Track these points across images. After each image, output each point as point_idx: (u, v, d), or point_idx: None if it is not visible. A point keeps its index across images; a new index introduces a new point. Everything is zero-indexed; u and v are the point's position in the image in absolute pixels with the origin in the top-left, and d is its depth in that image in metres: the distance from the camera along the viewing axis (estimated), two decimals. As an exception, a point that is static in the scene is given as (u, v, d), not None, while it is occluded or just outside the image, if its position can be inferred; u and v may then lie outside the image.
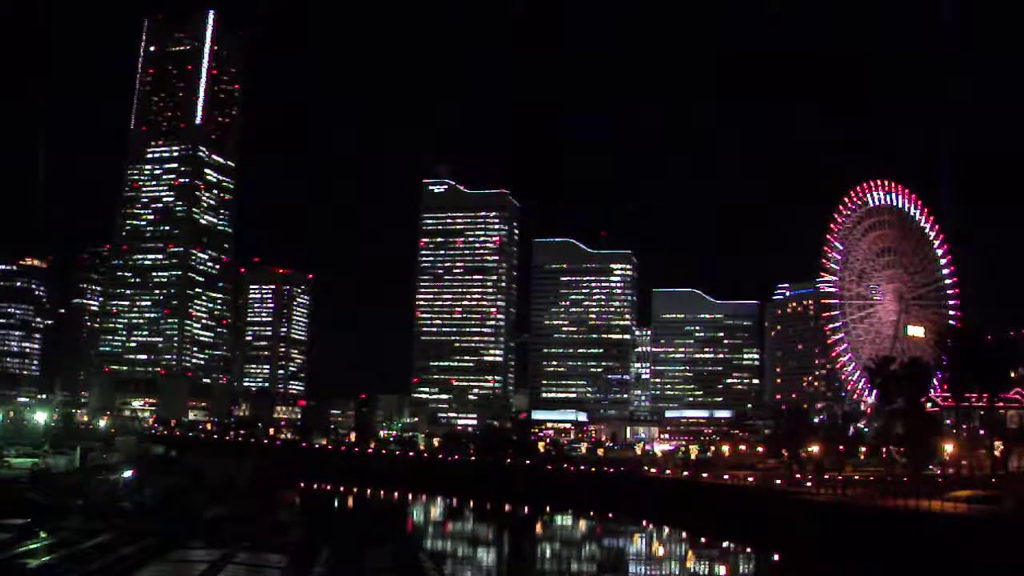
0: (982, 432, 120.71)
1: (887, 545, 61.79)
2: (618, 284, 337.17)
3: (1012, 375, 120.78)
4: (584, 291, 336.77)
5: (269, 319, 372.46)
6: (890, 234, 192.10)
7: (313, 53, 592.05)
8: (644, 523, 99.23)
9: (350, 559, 43.91)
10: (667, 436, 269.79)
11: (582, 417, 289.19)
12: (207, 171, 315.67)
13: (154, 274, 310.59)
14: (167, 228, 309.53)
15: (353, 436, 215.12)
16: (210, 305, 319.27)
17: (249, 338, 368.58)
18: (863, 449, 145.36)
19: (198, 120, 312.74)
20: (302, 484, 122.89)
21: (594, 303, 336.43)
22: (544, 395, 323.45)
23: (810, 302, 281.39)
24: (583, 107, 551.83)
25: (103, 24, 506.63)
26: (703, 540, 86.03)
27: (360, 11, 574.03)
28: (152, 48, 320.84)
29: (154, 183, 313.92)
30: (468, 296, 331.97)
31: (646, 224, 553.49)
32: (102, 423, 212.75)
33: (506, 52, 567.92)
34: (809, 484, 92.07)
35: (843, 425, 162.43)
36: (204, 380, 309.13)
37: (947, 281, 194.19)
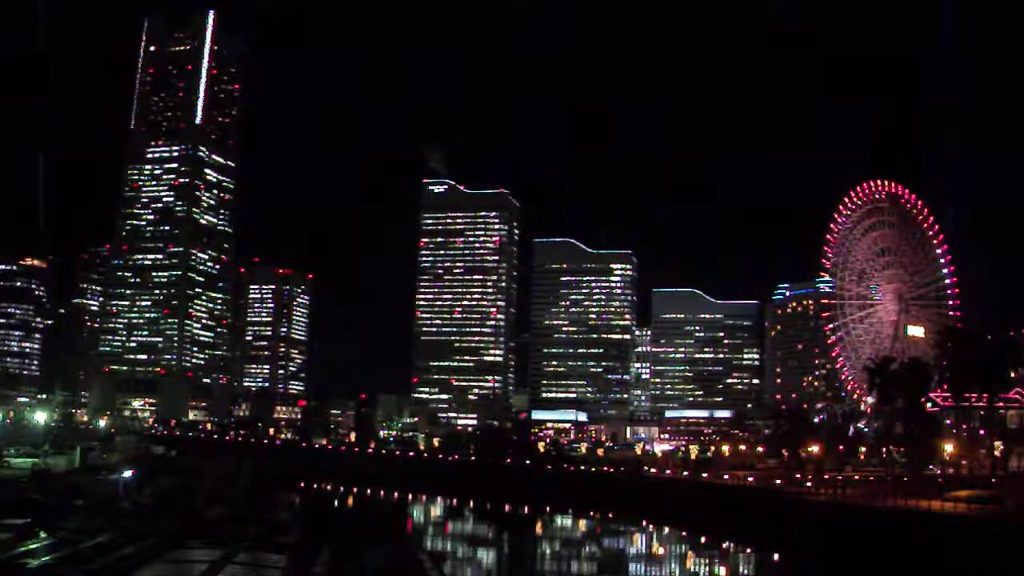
0: (982, 432, 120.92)
1: (887, 545, 61.76)
2: (618, 284, 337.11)
3: (1012, 375, 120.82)
4: (584, 291, 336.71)
5: (269, 319, 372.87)
6: (890, 234, 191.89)
7: (313, 52, 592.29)
8: (644, 523, 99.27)
9: (350, 559, 43.88)
10: (667, 436, 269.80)
11: (582, 417, 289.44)
12: (207, 171, 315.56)
13: (154, 274, 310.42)
14: (167, 228, 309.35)
15: (353, 436, 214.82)
16: (210, 305, 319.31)
17: (249, 338, 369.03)
18: (863, 449, 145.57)
19: (198, 120, 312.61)
20: (302, 484, 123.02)
21: (594, 303, 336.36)
22: (544, 395, 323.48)
23: (810, 302, 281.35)
24: (583, 106, 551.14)
25: (103, 24, 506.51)
26: (703, 540, 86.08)
27: (359, 10, 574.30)
28: (152, 48, 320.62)
29: (154, 183, 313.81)
30: (468, 296, 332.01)
31: (646, 224, 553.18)
32: (102, 423, 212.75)
33: (505, 51, 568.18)
34: (809, 484, 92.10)
35: (843, 425, 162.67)
36: (204, 380, 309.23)
37: (947, 281, 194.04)
